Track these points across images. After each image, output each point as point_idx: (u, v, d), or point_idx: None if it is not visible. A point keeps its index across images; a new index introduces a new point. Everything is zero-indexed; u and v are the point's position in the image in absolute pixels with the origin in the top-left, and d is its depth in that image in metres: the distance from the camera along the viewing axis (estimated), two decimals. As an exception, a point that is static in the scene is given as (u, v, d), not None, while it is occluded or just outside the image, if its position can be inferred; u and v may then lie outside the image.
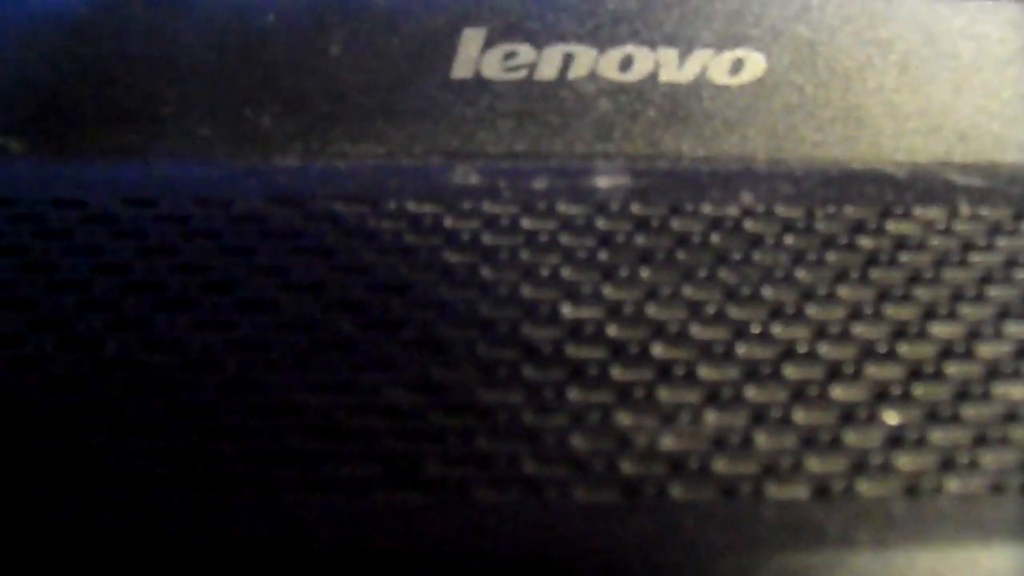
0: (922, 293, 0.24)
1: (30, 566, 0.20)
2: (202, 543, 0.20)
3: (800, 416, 0.22)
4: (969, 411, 0.22)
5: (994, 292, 0.25)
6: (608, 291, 0.24)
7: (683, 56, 0.28)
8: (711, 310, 0.24)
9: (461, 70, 0.28)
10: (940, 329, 0.24)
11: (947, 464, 0.22)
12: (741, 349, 0.23)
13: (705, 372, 0.23)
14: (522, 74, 0.28)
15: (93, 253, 0.24)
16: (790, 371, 0.23)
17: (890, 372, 0.23)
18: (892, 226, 0.26)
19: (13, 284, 0.24)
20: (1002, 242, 0.26)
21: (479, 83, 0.28)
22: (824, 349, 0.23)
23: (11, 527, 0.21)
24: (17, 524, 0.21)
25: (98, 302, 0.24)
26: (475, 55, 0.27)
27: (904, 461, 0.22)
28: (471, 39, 0.27)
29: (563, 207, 0.26)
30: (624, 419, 0.22)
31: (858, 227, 0.25)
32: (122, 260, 0.24)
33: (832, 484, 0.21)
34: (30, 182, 0.26)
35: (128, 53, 0.28)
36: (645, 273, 0.24)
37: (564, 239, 0.25)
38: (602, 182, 0.26)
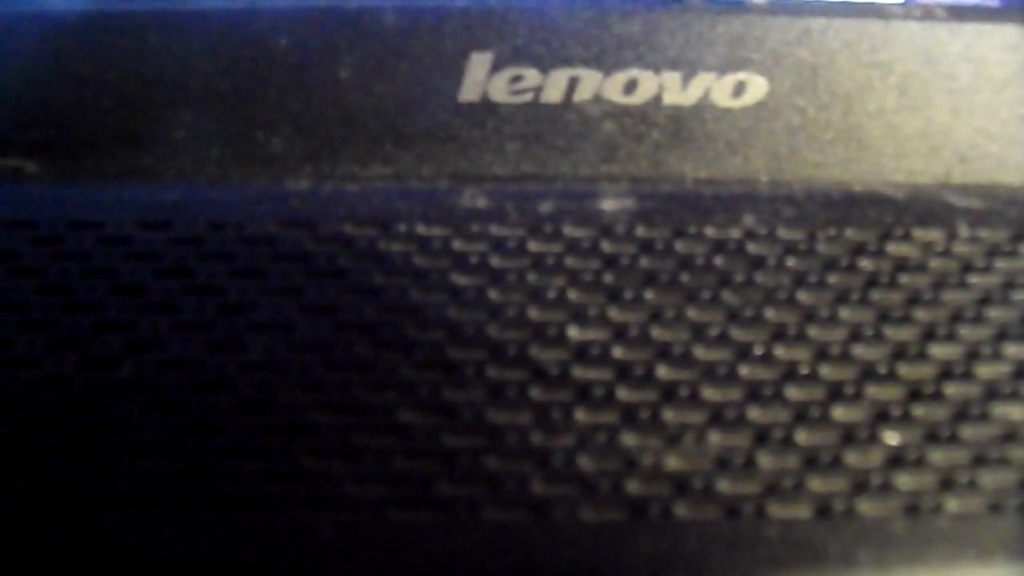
0: (922, 315, 0.25)
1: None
2: (216, 562, 0.21)
3: (802, 437, 0.22)
4: (968, 431, 0.23)
5: (993, 313, 0.25)
6: (614, 313, 0.24)
7: (686, 79, 0.28)
8: (714, 332, 0.24)
9: (469, 93, 0.28)
10: (939, 350, 0.24)
11: (946, 484, 0.22)
12: (744, 370, 0.23)
13: (709, 393, 0.23)
14: (528, 97, 0.28)
15: (109, 275, 0.25)
16: (792, 392, 0.23)
17: (890, 393, 0.23)
18: (892, 248, 0.26)
19: (31, 305, 0.24)
20: (1001, 264, 0.26)
21: (486, 106, 0.28)
22: (825, 370, 0.24)
23: (28, 545, 0.21)
24: (33, 542, 0.21)
25: (114, 323, 0.24)
26: (482, 79, 0.28)
27: (904, 481, 0.22)
28: (478, 63, 0.28)
29: (569, 230, 0.26)
30: (630, 440, 0.22)
31: (858, 249, 0.26)
32: (137, 282, 0.25)
33: (833, 504, 0.21)
34: (45, 204, 0.27)
35: (142, 76, 0.28)
36: (650, 295, 0.25)
37: (570, 262, 0.25)
38: (607, 205, 0.27)
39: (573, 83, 0.28)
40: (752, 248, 0.26)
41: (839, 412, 0.23)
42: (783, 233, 0.26)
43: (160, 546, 0.21)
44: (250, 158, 0.28)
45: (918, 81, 0.28)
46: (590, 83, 0.28)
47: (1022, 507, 0.22)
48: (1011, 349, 0.24)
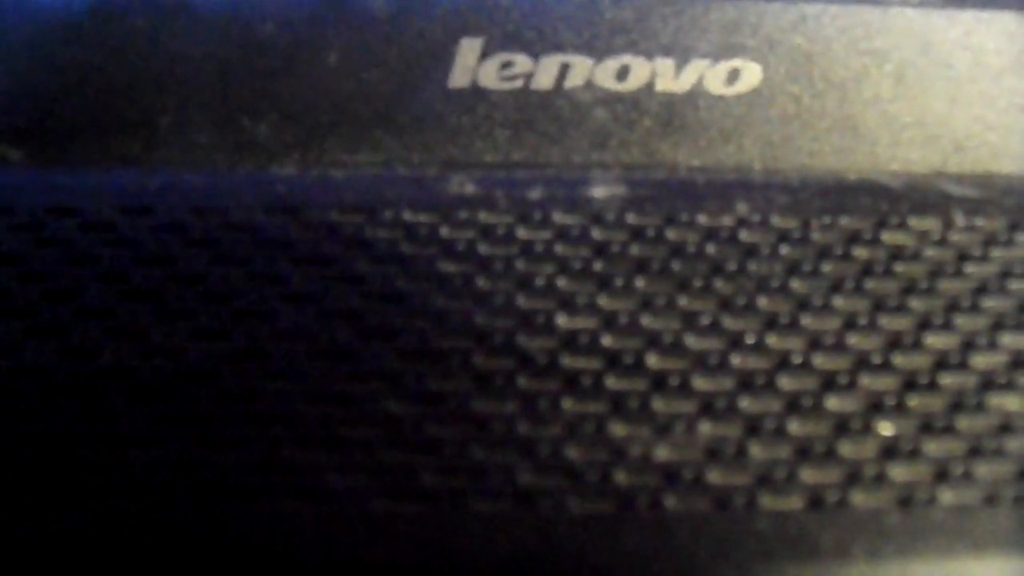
0: (917, 304, 0.24)
1: None
2: (198, 553, 0.20)
3: (794, 427, 0.22)
4: (963, 422, 0.22)
5: (989, 303, 0.25)
6: (603, 301, 0.24)
7: (679, 66, 0.28)
8: (706, 320, 0.24)
9: (458, 79, 0.28)
10: (935, 340, 0.24)
11: (941, 475, 0.22)
12: (736, 360, 0.23)
13: (699, 383, 0.23)
14: (519, 83, 0.28)
15: (91, 262, 0.25)
16: (784, 382, 0.23)
17: (884, 383, 0.23)
18: (887, 237, 0.26)
19: (11, 292, 0.24)
20: (997, 253, 0.26)
21: (476, 92, 0.28)
22: (819, 360, 0.23)
23: (7, 536, 0.21)
24: (12, 534, 0.21)
25: (95, 311, 0.24)
26: (472, 64, 0.28)
27: (898, 472, 0.22)
28: (468, 48, 0.28)
29: (559, 217, 0.26)
30: (618, 429, 0.22)
31: (853, 238, 0.26)
32: (119, 269, 0.24)
33: (826, 495, 0.21)
34: (28, 190, 0.26)
35: (127, 62, 0.28)
36: (640, 283, 0.24)
37: (560, 249, 0.25)
38: (598, 192, 0.26)
39: (564, 69, 0.28)
40: (745, 236, 0.25)
41: (832, 402, 0.23)
42: (776, 221, 0.26)
43: (140, 536, 0.21)
44: (236, 144, 0.27)
45: (914, 69, 0.28)
46: (582, 69, 0.28)
47: (1018, 499, 0.21)
48: (1007, 339, 0.24)
